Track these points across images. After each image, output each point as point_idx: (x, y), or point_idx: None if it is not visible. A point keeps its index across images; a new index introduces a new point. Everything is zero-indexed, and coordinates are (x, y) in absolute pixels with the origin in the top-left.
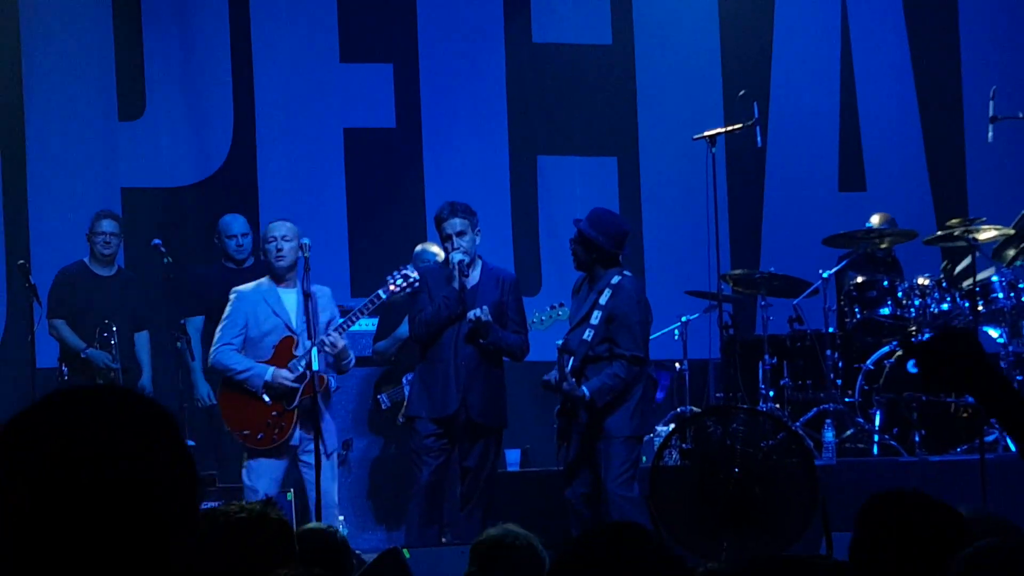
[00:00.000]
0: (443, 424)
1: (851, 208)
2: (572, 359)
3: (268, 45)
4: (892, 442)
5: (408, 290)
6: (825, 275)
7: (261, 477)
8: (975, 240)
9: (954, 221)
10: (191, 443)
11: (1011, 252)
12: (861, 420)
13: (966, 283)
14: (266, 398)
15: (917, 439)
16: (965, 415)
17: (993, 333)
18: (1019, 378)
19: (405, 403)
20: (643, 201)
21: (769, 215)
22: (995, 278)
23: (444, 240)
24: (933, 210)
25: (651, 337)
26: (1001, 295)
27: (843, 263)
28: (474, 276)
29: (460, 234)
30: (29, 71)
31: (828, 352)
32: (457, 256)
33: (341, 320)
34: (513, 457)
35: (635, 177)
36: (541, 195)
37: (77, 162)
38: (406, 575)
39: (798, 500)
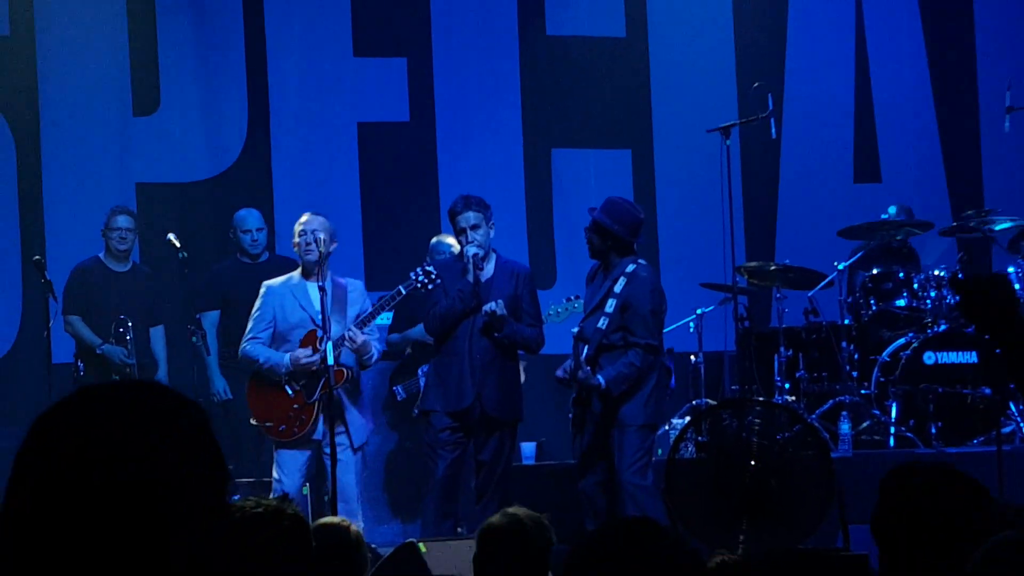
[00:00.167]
0: (458, 418)
1: (866, 199)
2: (587, 347)
3: (282, 40)
4: (908, 434)
5: (430, 287)
6: (840, 267)
7: (287, 469)
8: (991, 231)
9: (970, 212)
10: None
11: None
12: (877, 412)
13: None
14: (288, 390)
15: (933, 431)
16: (981, 407)
17: None
18: None
19: (420, 396)
20: (657, 194)
21: (784, 207)
22: (1011, 269)
23: (458, 234)
24: (948, 201)
25: (666, 330)
26: (1018, 287)
27: (858, 255)
28: (488, 269)
29: (474, 227)
30: (44, 67)
31: (844, 344)
32: (471, 249)
33: (355, 315)
34: (528, 450)
35: (649, 170)
36: (555, 188)
37: (92, 157)
38: (422, 569)
39: (814, 493)
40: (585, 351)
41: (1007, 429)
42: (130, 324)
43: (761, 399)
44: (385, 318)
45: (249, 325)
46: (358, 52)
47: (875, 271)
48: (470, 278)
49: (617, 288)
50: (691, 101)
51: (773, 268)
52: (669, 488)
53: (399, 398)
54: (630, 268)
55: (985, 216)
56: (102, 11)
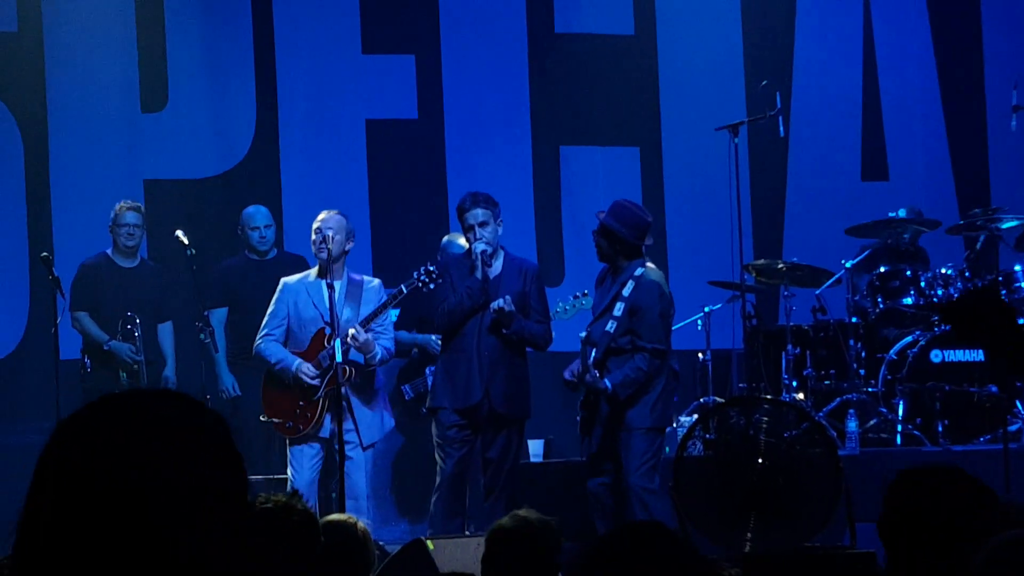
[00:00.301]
0: (466, 415)
1: (874, 198)
2: (594, 351)
3: (290, 37)
4: (915, 432)
5: (431, 285)
6: (848, 265)
7: (298, 466)
8: (998, 229)
9: (977, 210)
10: None
11: None
12: (884, 410)
13: (989, 276)
14: (298, 389)
15: (940, 429)
16: (988, 405)
17: None
18: None
19: (429, 393)
20: (666, 191)
21: (792, 205)
22: (1017, 267)
23: (466, 231)
24: (956, 199)
25: (674, 328)
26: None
27: (866, 253)
28: (497, 266)
29: (482, 224)
30: (52, 63)
31: (851, 342)
32: (480, 246)
33: (367, 314)
34: (536, 448)
35: (658, 167)
36: (564, 186)
37: (100, 154)
38: (430, 566)
39: (821, 490)
40: (593, 354)
41: (1014, 427)
42: (138, 320)
43: (769, 397)
44: (393, 316)
45: (264, 321)
46: (366, 49)
47: (882, 269)
48: (478, 275)
49: (625, 292)
50: (699, 99)
51: (781, 266)
52: (677, 486)
53: (407, 397)
54: (638, 272)
55: (992, 214)
56: (110, 7)
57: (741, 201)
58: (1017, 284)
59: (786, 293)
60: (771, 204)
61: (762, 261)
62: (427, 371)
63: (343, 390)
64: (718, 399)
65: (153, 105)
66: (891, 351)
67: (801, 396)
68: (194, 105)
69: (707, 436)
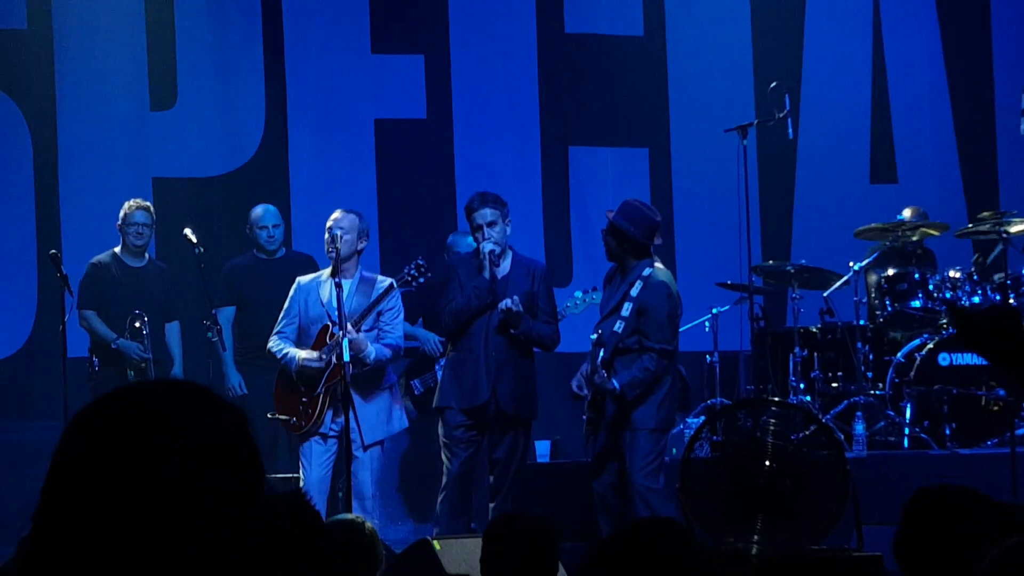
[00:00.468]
0: (473, 415)
1: (882, 200)
2: (602, 350)
3: (300, 36)
4: (923, 435)
5: (420, 280)
6: (856, 267)
7: (309, 464)
8: (1007, 233)
9: (985, 214)
10: None
11: None
12: (892, 413)
13: (997, 276)
14: (300, 384)
15: (948, 432)
16: (996, 408)
17: None
18: None
19: (436, 392)
20: (674, 193)
21: (800, 207)
22: None
23: (474, 230)
24: (964, 203)
25: (681, 329)
26: None
27: (874, 255)
28: (505, 266)
29: (491, 224)
30: (61, 61)
31: (859, 344)
32: (488, 246)
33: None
34: (543, 448)
35: (666, 169)
36: (572, 186)
37: (109, 152)
38: (436, 566)
39: (829, 493)
40: (601, 354)
41: (1022, 431)
42: (146, 319)
43: (776, 399)
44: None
45: (279, 319)
46: (376, 49)
47: (890, 272)
48: (486, 275)
49: (633, 292)
50: (708, 100)
51: (789, 268)
52: (684, 487)
53: (416, 392)
54: (646, 272)
55: (1001, 218)
56: (120, 5)
57: (750, 203)
58: None
59: (794, 295)
60: (780, 206)
61: (770, 263)
62: (437, 366)
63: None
64: (725, 401)
65: (162, 103)
66: (899, 354)
67: (808, 398)
68: (203, 103)
69: (714, 438)
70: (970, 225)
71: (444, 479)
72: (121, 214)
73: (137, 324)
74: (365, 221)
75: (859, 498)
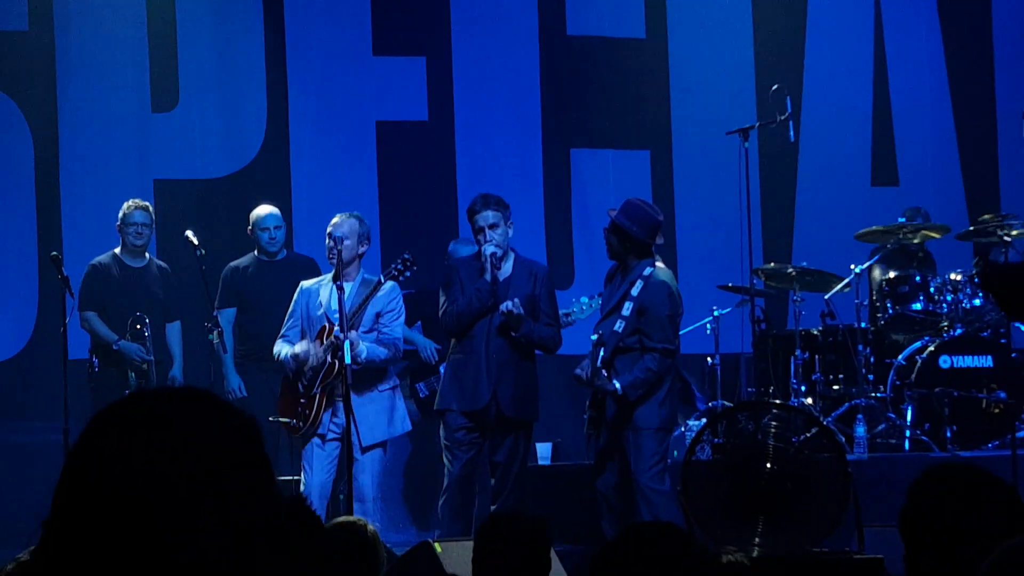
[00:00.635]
0: (474, 417)
1: (883, 203)
2: (603, 350)
3: (301, 38)
4: (924, 437)
5: (407, 273)
6: (857, 270)
7: (310, 467)
8: (1007, 236)
9: (986, 216)
10: None
11: None
12: (893, 415)
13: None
14: (299, 386)
15: (949, 434)
16: (997, 411)
17: None
18: None
19: (437, 395)
20: (676, 195)
21: (801, 209)
22: None
23: (476, 233)
24: (965, 205)
25: (683, 331)
26: None
27: (875, 258)
28: (506, 268)
29: (492, 227)
30: (62, 62)
31: (860, 347)
32: (489, 249)
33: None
34: (544, 451)
35: (668, 171)
36: (574, 188)
37: (110, 154)
38: (437, 569)
39: (830, 495)
40: (601, 354)
41: (1022, 433)
42: (147, 320)
43: (777, 401)
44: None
45: (284, 323)
46: (377, 51)
47: (892, 274)
48: (487, 277)
49: (634, 291)
50: (710, 103)
51: (790, 271)
52: (685, 490)
53: (421, 395)
54: (647, 271)
55: (1002, 221)
56: (122, 7)
57: (751, 205)
58: None
59: (795, 297)
60: (781, 208)
61: (772, 265)
62: (441, 368)
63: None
64: (727, 403)
65: (164, 105)
66: (900, 356)
67: (810, 401)
68: (205, 105)
69: (716, 440)
70: (971, 228)
71: (445, 481)
72: (120, 215)
73: (138, 326)
74: (366, 224)
75: (860, 500)
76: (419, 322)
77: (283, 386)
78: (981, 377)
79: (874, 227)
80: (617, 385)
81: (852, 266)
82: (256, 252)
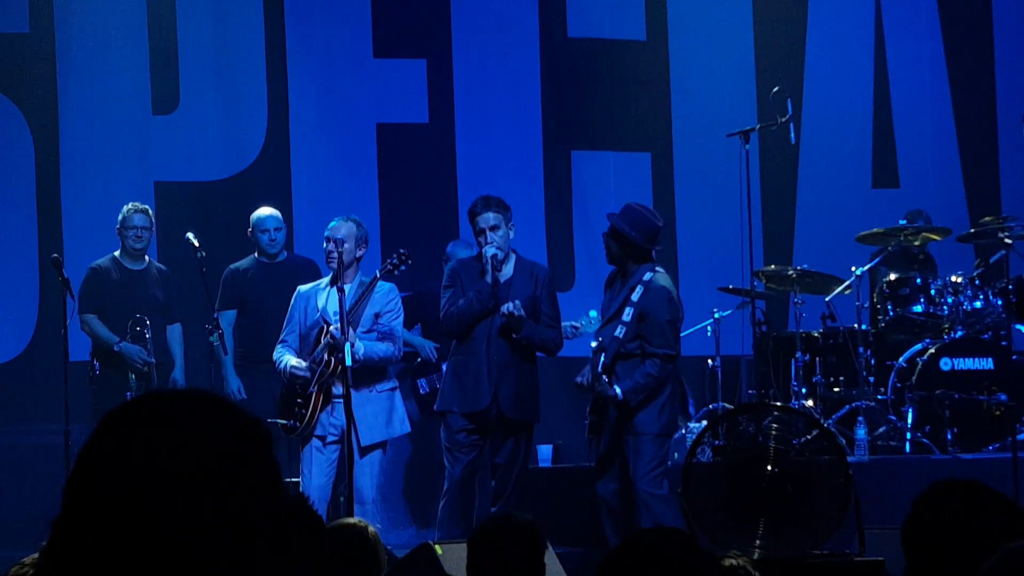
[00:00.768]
0: (475, 419)
1: (884, 205)
2: (603, 356)
3: (302, 40)
4: (924, 440)
5: (402, 268)
6: (858, 272)
7: (308, 469)
8: (1008, 238)
9: (987, 219)
10: None
11: None
12: (893, 417)
13: (999, 281)
14: (296, 387)
15: (949, 437)
16: (998, 413)
17: None
18: None
19: (438, 396)
20: (676, 197)
21: (802, 212)
22: None
23: (477, 234)
24: (966, 207)
25: (683, 334)
26: None
27: (876, 260)
28: (507, 270)
29: (493, 228)
30: (63, 65)
31: (861, 349)
32: (490, 250)
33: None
34: (545, 453)
35: (669, 173)
36: (575, 190)
37: (111, 156)
38: (438, 571)
39: (830, 498)
40: (602, 360)
41: (1023, 435)
42: (148, 322)
43: (778, 404)
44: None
45: (283, 328)
46: (378, 53)
47: (892, 276)
48: (488, 279)
49: (634, 297)
50: (711, 105)
51: (791, 272)
52: (686, 492)
53: (422, 391)
54: (647, 276)
55: (1003, 223)
56: (122, 9)
57: (752, 207)
58: None
59: (796, 300)
60: (782, 210)
61: (772, 267)
62: (444, 365)
63: (339, 388)
64: (727, 405)
65: (164, 107)
66: (901, 359)
67: (810, 403)
68: (205, 107)
69: (716, 442)
70: (972, 230)
71: (446, 483)
72: (120, 218)
73: (139, 328)
74: (363, 228)
75: (861, 503)
76: (418, 325)
77: (282, 389)
78: (982, 379)
79: (875, 229)
80: (618, 391)
81: (853, 268)
82: (256, 254)
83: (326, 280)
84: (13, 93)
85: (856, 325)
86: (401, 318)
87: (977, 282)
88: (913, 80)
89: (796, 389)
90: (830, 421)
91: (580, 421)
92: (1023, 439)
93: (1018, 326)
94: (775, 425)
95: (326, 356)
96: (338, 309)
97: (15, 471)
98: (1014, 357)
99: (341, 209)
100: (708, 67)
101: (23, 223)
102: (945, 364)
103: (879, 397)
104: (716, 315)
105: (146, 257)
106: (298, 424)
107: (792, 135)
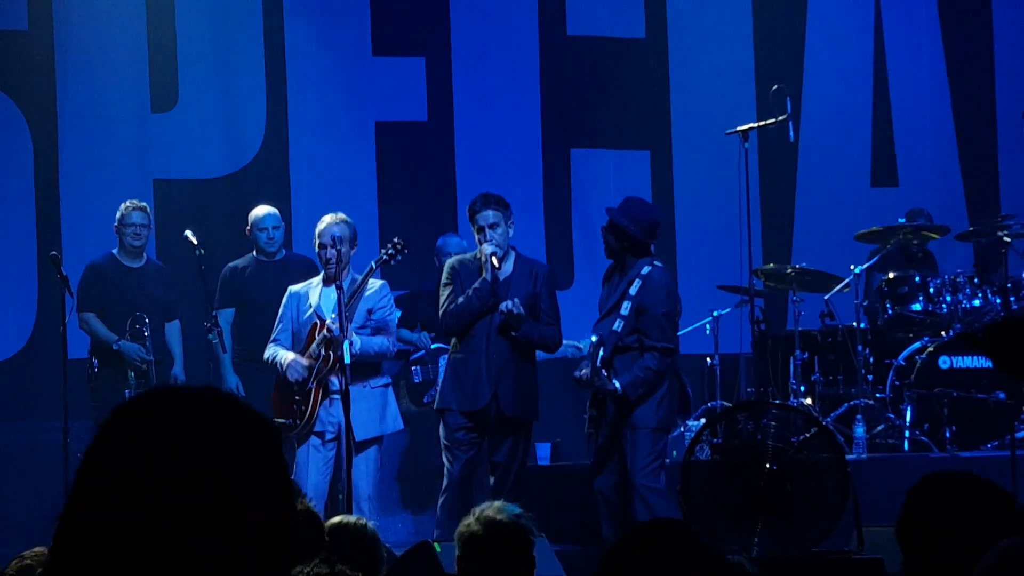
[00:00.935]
0: (474, 417)
1: (883, 203)
2: (602, 349)
3: (301, 38)
4: (923, 438)
5: (398, 257)
6: (857, 270)
7: (306, 469)
8: (1007, 237)
9: (986, 217)
10: None
11: None
12: (892, 416)
13: (997, 279)
14: (293, 386)
15: (948, 435)
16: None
17: None
18: None
19: (437, 393)
20: (676, 195)
21: (801, 210)
22: None
23: (477, 232)
24: (965, 206)
25: (682, 332)
26: None
27: (875, 259)
28: (507, 268)
29: (492, 226)
30: (62, 62)
31: (859, 347)
32: (489, 248)
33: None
34: (544, 451)
35: (668, 171)
36: (574, 188)
37: (109, 153)
38: (437, 568)
39: (829, 495)
40: (600, 354)
41: (1021, 434)
42: (147, 320)
43: (777, 402)
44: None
45: (274, 327)
46: (376, 51)
47: (891, 275)
48: (487, 277)
49: (632, 291)
50: (710, 103)
51: (790, 271)
52: (684, 489)
53: (415, 379)
54: (645, 270)
55: (1001, 221)
56: (121, 6)
57: (751, 205)
58: None
59: (795, 298)
60: (780, 209)
61: (771, 266)
62: (440, 360)
63: (337, 383)
64: (726, 403)
65: (163, 105)
66: (899, 357)
67: (809, 401)
68: (204, 105)
69: (715, 440)
70: (971, 228)
71: (445, 481)
72: (118, 215)
73: (137, 326)
74: (352, 223)
75: (859, 501)
76: (418, 324)
77: (276, 387)
78: (980, 378)
79: (874, 227)
80: (617, 384)
81: (852, 266)
82: (255, 252)
83: (318, 279)
84: (12, 90)
85: (855, 323)
86: (394, 313)
87: (976, 280)
88: (912, 78)
89: (795, 387)
90: (829, 419)
91: (579, 419)
92: (1021, 437)
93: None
94: (774, 423)
95: (323, 351)
96: (336, 307)
97: (14, 468)
98: None
99: (340, 207)
100: (707, 65)
101: (22, 220)
102: (944, 362)
103: (878, 395)
104: (715, 313)
105: (144, 255)
106: (297, 421)
107: (791, 133)
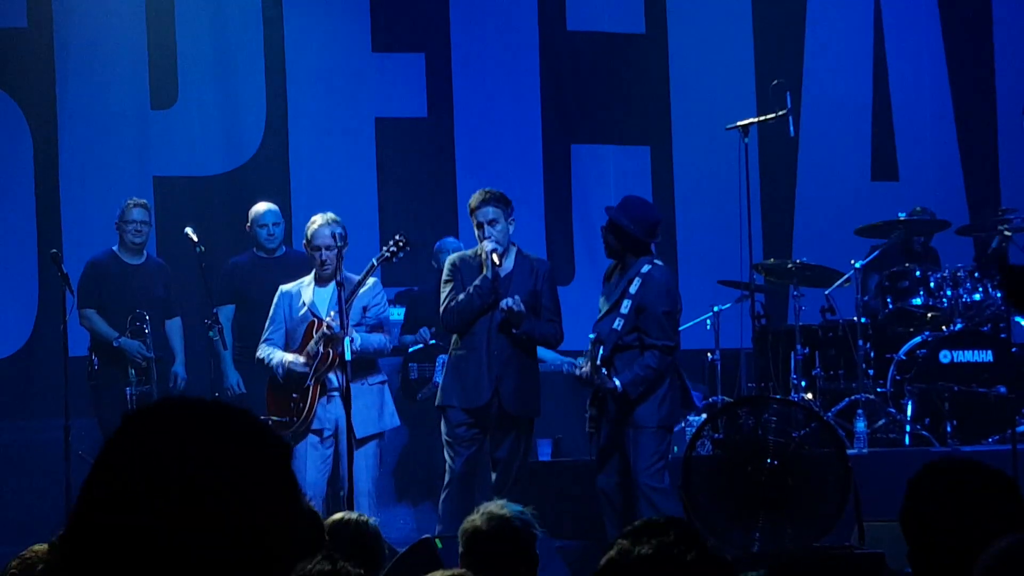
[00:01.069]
0: (475, 414)
1: (883, 198)
2: (601, 348)
3: (300, 34)
4: (924, 432)
5: (400, 255)
6: (857, 265)
7: (304, 466)
8: (1007, 231)
9: (987, 212)
10: None
11: None
12: (893, 410)
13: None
14: (290, 384)
15: (949, 429)
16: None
17: None
18: None
19: (438, 391)
20: (676, 190)
21: (801, 205)
22: None
23: (477, 228)
24: (965, 200)
25: (683, 327)
26: None
27: (875, 253)
28: (508, 264)
29: (492, 223)
30: (62, 59)
31: (860, 342)
32: (489, 245)
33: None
34: (545, 447)
35: (668, 166)
36: (574, 184)
37: (109, 151)
38: (438, 565)
39: (830, 490)
40: (600, 352)
41: (1022, 427)
42: (147, 317)
43: (778, 397)
44: (397, 313)
45: (266, 327)
46: (376, 47)
47: (892, 269)
48: (488, 274)
49: (632, 289)
50: (710, 98)
51: (790, 266)
52: (686, 485)
53: (412, 376)
54: (645, 269)
55: (1002, 215)
56: (120, 4)
57: (751, 200)
58: None
59: (795, 293)
60: (781, 204)
61: (772, 261)
62: (439, 359)
63: (336, 381)
64: (727, 399)
65: (163, 102)
66: (900, 351)
67: (810, 396)
68: (204, 102)
69: (716, 435)
70: (971, 222)
71: (447, 478)
72: (119, 212)
73: (138, 323)
74: (342, 221)
75: (860, 495)
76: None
77: (271, 387)
78: (981, 372)
79: (874, 222)
80: (617, 383)
81: (852, 261)
82: (255, 249)
83: (309, 278)
84: (11, 88)
85: (855, 318)
86: (389, 310)
87: (976, 274)
88: (912, 73)
89: (795, 382)
90: (829, 414)
91: (580, 416)
92: (1022, 431)
93: (1018, 318)
94: (774, 418)
95: (321, 349)
96: (336, 304)
97: (15, 466)
98: (1013, 349)
99: (340, 204)
100: (707, 60)
101: (22, 218)
102: (944, 356)
103: (878, 390)
104: (715, 308)
105: (145, 252)
106: (295, 419)
107: (791, 128)
